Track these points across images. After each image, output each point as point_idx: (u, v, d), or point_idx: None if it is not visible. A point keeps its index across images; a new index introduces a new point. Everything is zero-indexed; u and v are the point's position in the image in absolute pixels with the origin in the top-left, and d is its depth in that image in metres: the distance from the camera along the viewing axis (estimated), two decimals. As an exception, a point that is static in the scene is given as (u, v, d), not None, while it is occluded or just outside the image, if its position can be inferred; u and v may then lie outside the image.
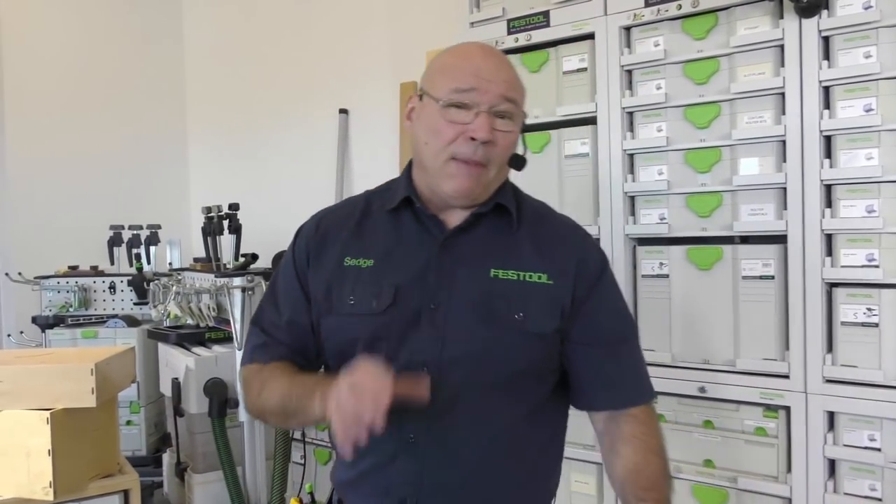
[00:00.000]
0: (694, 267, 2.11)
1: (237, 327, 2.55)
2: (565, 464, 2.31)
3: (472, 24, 2.49)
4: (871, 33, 1.83)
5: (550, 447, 1.41)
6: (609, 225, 2.23)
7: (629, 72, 2.20)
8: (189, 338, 2.85)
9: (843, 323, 1.90)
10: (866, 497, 1.87)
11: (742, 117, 2.02)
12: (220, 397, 2.55)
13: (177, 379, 2.68)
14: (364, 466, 1.31)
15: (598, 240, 2.24)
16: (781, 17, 1.94)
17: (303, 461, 2.78)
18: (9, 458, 1.75)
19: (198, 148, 4.54)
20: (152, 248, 3.58)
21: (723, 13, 2.04)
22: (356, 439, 1.11)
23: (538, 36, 2.34)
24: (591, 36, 2.25)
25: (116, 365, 1.92)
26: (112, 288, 3.49)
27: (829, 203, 1.91)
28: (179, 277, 2.95)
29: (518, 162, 1.32)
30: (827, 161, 1.90)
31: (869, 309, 1.86)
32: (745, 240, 2.08)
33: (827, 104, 1.90)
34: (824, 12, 1.87)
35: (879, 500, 1.86)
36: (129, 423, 3.29)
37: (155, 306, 3.04)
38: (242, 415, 2.59)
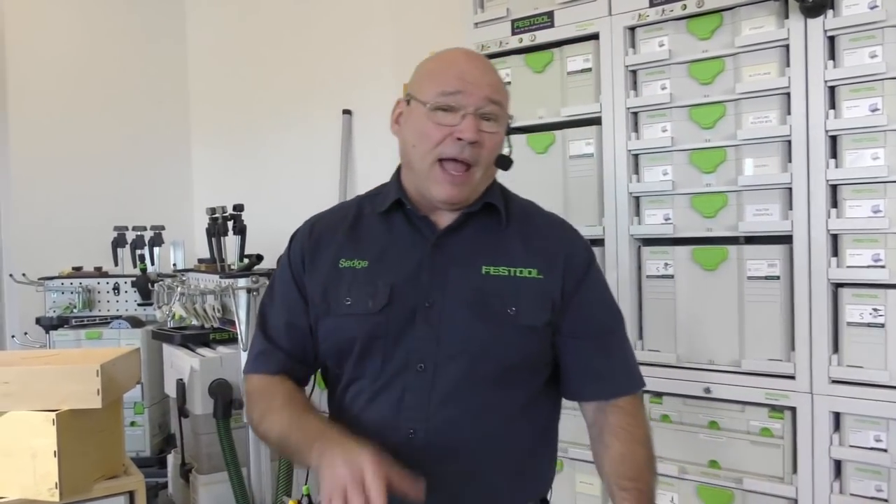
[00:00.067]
0: (699, 267, 2.11)
1: (242, 328, 2.55)
2: (570, 465, 2.32)
3: (477, 24, 2.49)
4: (876, 33, 1.83)
5: (544, 439, 1.44)
6: (614, 225, 2.22)
7: (634, 72, 2.20)
8: (194, 339, 2.85)
9: (848, 323, 1.90)
10: (872, 498, 1.87)
11: (747, 117, 2.01)
12: (224, 398, 2.54)
13: (181, 380, 2.68)
14: None
15: (602, 240, 2.25)
16: (787, 16, 1.93)
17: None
18: (14, 459, 1.74)
19: (201, 149, 4.54)
20: (156, 249, 3.57)
21: (728, 13, 2.04)
22: None
23: (542, 36, 2.34)
24: (595, 36, 2.25)
25: (122, 366, 1.92)
26: (116, 289, 3.49)
27: (834, 203, 1.91)
28: (184, 278, 2.94)
29: (504, 162, 1.35)
30: (832, 161, 1.89)
31: (875, 309, 1.86)
32: (750, 240, 2.08)
33: (832, 104, 1.90)
34: (830, 12, 1.87)
35: (885, 500, 1.85)
36: (133, 424, 3.29)
37: (159, 307, 3.04)
38: (245, 416, 2.58)
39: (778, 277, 1.98)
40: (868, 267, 1.86)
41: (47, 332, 3.40)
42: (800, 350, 1.94)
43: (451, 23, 3.02)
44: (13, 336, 3.65)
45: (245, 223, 2.88)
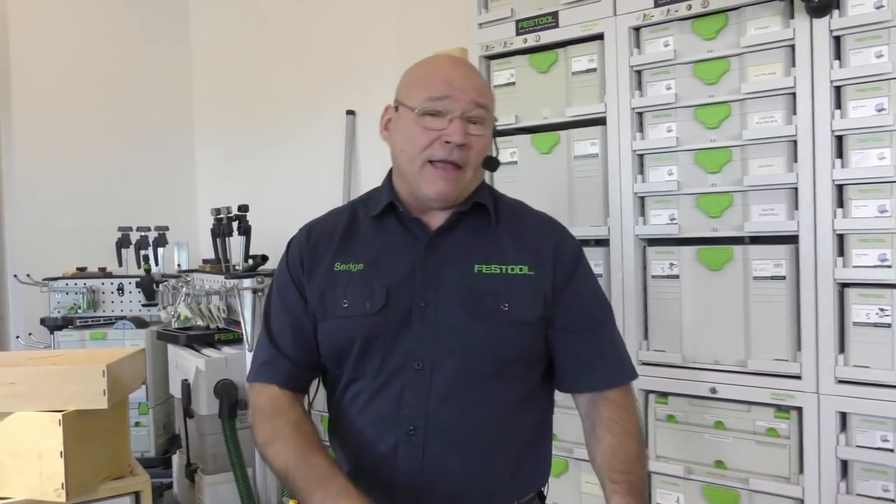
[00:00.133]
0: (704, 267, 2.10)
1: (248, 329, 2.56)
2: (575, 465, 2.32)
3: (481, 24, 2.49)
4: (882, 33, 1.83)
5: (541, 433, 1.46)
6: (619, 226, 2.22)
7: (639, 72, 2.20)
8: (199, 339, 2.86)
9: (855, 323, 1.90)
10: (879, 498, 1.87)
11: (753, 117, 2.01)
12: (230, 399, 2.55)
13: (187, 380, 2.68)
14: (367, 460, 1.36)
15: (607, 240, 2.26)
16: (792, 16, 1.93)
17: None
18: (21, 459, 1.74)
19: (205, 149, 4.54)
20: (160, 250, 3.57)
21: (733, 13, 2.03)
22: None
23: (547, 37, 2.34)
24: (600, 36, 2.24)
25: (127, 367, 1.92)
26: (120, 289, 3.49)
27: (840, 203, 1.91)
28: (188, 279, 2.95)
29: (492, 163, 1.39)
30: (838, 161, 1.89)
31: (881, 309, 1.85)
32: (755, 240, 2.07)
33: (838, 104, 1.90)
34: (835, 12, 1.87)
35: (892, 500, 1.85)
36: (137, 424, 3.28)
37: (164, 308, 3.04)
38: (250, 412, 2.59)
39: (784, 277, 1.98)
40: (874, 267, 1.86)
41: (52, 332, 3.40)
42: (806, 350, 1.94)
43: (454, 23, 3.02)
44: (17, 337, 3.65)
45: (250, 223, 2.89)
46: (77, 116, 3.99)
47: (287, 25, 4.02)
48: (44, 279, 3.47)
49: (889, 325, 1.85)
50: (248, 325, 2.56)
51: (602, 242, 2.29)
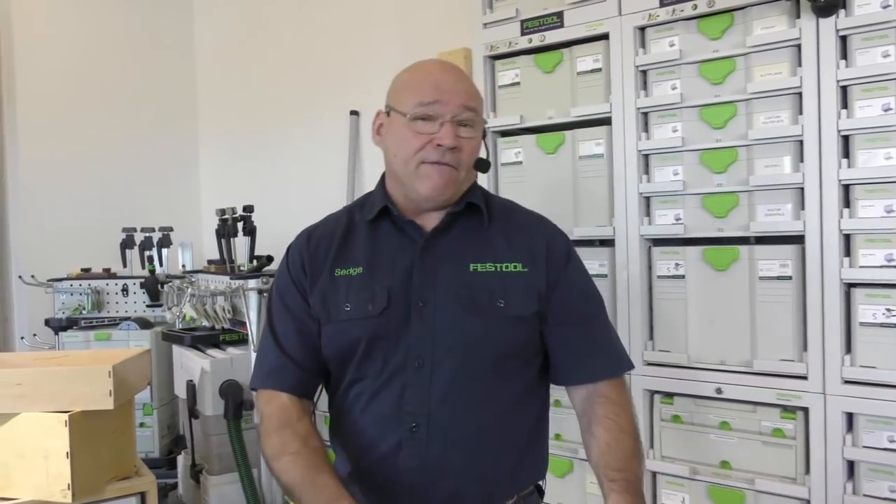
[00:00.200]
0: (710, 267, 2.10)
1: (253, 329, 2.56)
2: (580, 465, 2.32)
3: (486, 25, 2.49)
4: (889, 32, 1.82)
5: (538, 428, 1.48)
6: (624, 226, 2.22)
7: (644, 72, 2.20)
8: (203, 340, 2.86)
9: (861, 323, 1.89)
10: (886, 499, 1.86)
11: (759, 117, 2.01)
12: (235, 399, 2.55)
13: (192, 381, 2.69)
14: (369, 459, 1.38)
15: (612, 240, 2.25)
16: (798, 16, 1.93)
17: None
18: (27, 460, 1.74)
19: (209, 150, 4.54)
20: (164, 251, 3.58)
21: (739, 13, 2.03)
22: None
23: (552, 37, 2.34)
24: (605, 36, 2.24)
25: (133, 367, 1.92)
26: (125, 290, 3.50)
27: (847, 203, 1.90)
28: (193, 279, 2.95)
29: (483, 165, 1.43)
30: (845, 161, 1.89)
31: (888, 309, 1.85)
32: (760, 240, 2.07)
33: (845, 104, 1.89)
34: (842, 11, 1.86)
35: (899, 501, 1.85)
36: (142, 425, 3.29)
37: (169, 308, 3.05)
38: (257, 417, 2.59)
39: (790, 277, 1.97)
40: (881, 267, 1.85)
41: (56, 333, 3.41)
42: (812, 350, 1.94)
43: (458, 23, 3.02)
44: (22, 337, 3.66)
45: (255, 224, 2.89)
46: (81, 118, 4.00)
47: (290, 26, 4.02)
48: (48, 280, 3.48)
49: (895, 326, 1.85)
50: (254, 325, 2.56)
51: (607, 242, 2.29)
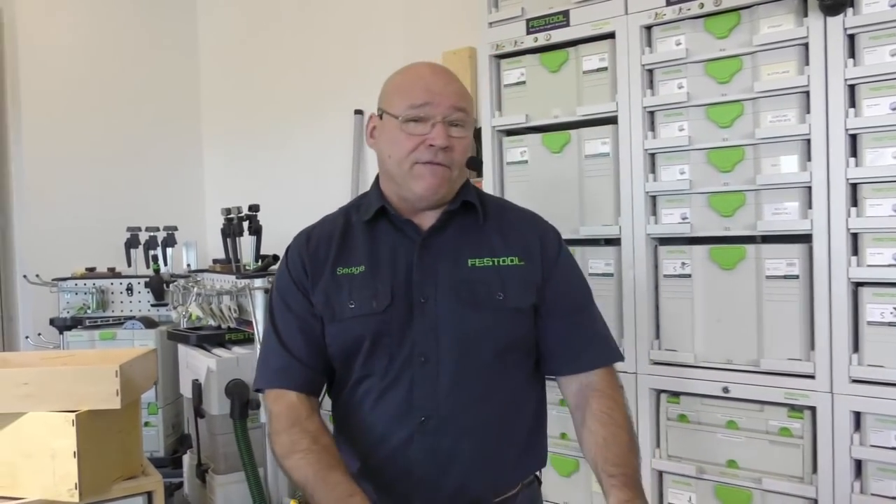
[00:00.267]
0: (717, 266, 2.10)
1: (259, 329, 2.56)
2: (585, 465, 2.30)
3: (491, 23, 2.48)
4: (897, 31, 1.82)
5: (539, 418, 1.52)
6: (630, 225, 2.22)
7: (650, 71, 2.19)
8: (209, 339, 2.86)
9: (869, 322, 1.89)
10: (894, 498, 1.86)
11: (766, 116, 2.00)
12: (241, 398, 2.55)
13: (197, 380, 2.69)
14: (380, 454, 1.41)
15: (618, 239, 2.25)
16: (806, 14, 1.92)
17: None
18: (34, 459, 1.74)
19: (213, 149, 4.54)
20: (169, 250, 3.58)
21: (746, 11, 2.03)
22: None
23: (558, 36, 2.33)
24: (611, 35, 2.24)
25: (139, 367, 1.92)
26: (129, 289, 3.50)
27: (854, 202, 1.90)
28: (198, 279, 2.95)
29: (476, 163, 1.47)
30: (852, 160, 1.88)
31: (896, 308, 1.85)
32: (766, 239, 2.07)
33: (852, 102, 1.89)
34: (849, 10, 1.86)
35: (907, 500, 1.85)
36: (147, 424, 3.28)
37: (175, 307, 3.05)
38: (263, 416, 2.59)
39: (797, 276, 1.97)
40: (889, 266, 1.85)
41: (61, 332, 3.41)
42: (820, 349, 1.94)
43: (463, 22, 3.02)
44: (27, 337, 3.66)
45: (260, 223, 2.89)
46: (85, 118, 4.00)
47: (294, 25, 4.02)
48: (53, 279, 3.48)
49: (904, 325, 1.84)
50: (260, 324, 2.56)
51: (613, 241, 2.28)
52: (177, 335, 3.00)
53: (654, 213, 2.20)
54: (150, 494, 1.92)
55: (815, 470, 1.95)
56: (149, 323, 3.38)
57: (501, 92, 2.48)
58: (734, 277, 2.07)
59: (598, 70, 2.28)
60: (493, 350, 1.41)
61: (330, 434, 1.41)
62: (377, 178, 1.53)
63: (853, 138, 1.90)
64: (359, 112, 3.66)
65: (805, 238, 1.96)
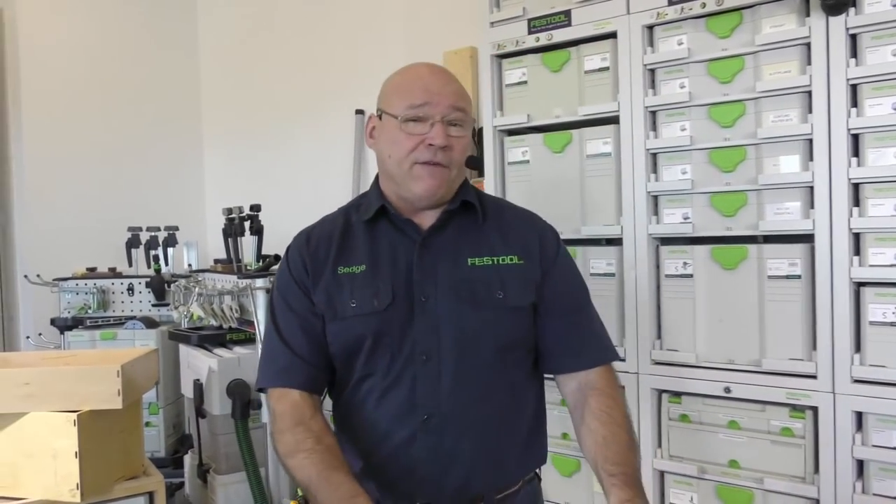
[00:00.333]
0: (718, 266, 2.10)
1: (261, 328, 2.56)
2: (586, 465, 2.30)
3: (492, 23, 2.48)
4: (899, 31, 1.82)
5: (538, 414, 1.53)
6: (632, 224, 2.22)
7: (652, 71, 2.19)
8: (210, 339, 2.86)
9: (871, 322, 1.89)
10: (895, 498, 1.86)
11: (768, 116, 2.00)
12: (242, 398, 2.55)
13: (199, 380, 2.69)
14: (383, 452, 1.41)
15: (620, 239, 2.25)
16: (808, 14, 1.92)
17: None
18: (36, 459, 1.74)
19: (213, 149, 4.54)
20: (170, 250, 3.58)
21: (748, 11, 2.03)
22: None
23: (559, 35, 2.33)
24: (613, 35, 2.24)
25: (141, 367, 1.92)
26: (130, 289, 3.50)
27: (856, 202, 1.90)
28: (200, 279, 2.95)
29: (476, 162, 1.46)
30: (854, 159, 1.88)
31: (898, 308, 1.84)
32: (769, 239, 2.07)
33: (854, 102, 1.89)
34: (851, 10, 1.86)
35: (909, 501, 1.85)
36: (148, 424, 3.28)
37: (176, 307, 3.04)
38: (265, 416, 2.59)
39: (799, 276, 1.97)
40: (891, 266, 1.85)
41: (62, 332, 3.41)
42: (821, 349, 1.93)
43: (465, 22, 3.01)
44: (28, 337, 3.66)
45: (262, 223, 2.89)
46: (85, 117, 3.99)
47: (295, 25, 4.02)
48: (54, 279, 3.48)
49: (906, 325, 1.84)
50: (261, 324, 2.56)
51: (615, 241, 2.28)
52: (178, 335, 3.00)
53: (656, 212, 2.20)
54: (151, 494, 1.92)
55: (816, 470, 1.95)
56: (150, 323, 3.38)
57: (503, 92, 2.48)
58: (736, 277, 2.07)
59: (600, 70, 2.28)
60: (494, 348, 1.41)
61: (333, 434, 1.41)
62: (377, 177, 1.53)
63: (855, 138, 1.90)
64: (360, 112, 3.66)
65: (807, 238, 1.96)
